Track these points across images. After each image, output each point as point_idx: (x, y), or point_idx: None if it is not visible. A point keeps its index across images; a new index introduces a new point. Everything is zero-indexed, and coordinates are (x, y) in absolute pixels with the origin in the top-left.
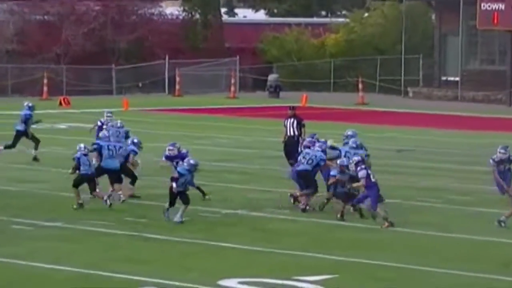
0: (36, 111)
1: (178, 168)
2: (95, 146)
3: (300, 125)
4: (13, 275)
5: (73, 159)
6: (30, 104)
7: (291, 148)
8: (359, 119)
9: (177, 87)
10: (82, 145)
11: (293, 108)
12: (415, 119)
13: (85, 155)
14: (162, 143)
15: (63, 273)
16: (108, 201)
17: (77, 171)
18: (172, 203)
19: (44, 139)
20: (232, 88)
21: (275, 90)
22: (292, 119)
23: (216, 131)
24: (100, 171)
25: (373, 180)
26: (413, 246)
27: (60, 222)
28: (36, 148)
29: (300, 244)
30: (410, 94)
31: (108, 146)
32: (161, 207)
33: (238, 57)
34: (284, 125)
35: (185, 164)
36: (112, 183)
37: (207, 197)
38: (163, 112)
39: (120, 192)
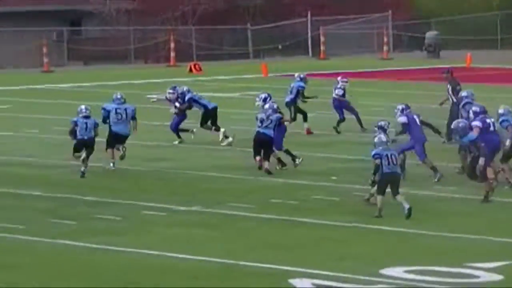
0: (165, 79)
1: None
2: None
3: (454, 91)
4: (145, 267)
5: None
6: (302, 75)
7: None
8: None
9: (321, 48)
10: (83, 107)
11: (449, 72)
12: None
13: (86, 117)
14: (309, 113)
15: (199, 264)
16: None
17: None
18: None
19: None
20: (385, 48)
21: (435, 49)
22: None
23: (367, 98)
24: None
25: None
26: None
27: (196, 206)
28: (305, 120)
29: (471, 226)
30: None
31: (116, 109)
32: (312, 186)
33: (390, 12)
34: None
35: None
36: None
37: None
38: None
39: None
